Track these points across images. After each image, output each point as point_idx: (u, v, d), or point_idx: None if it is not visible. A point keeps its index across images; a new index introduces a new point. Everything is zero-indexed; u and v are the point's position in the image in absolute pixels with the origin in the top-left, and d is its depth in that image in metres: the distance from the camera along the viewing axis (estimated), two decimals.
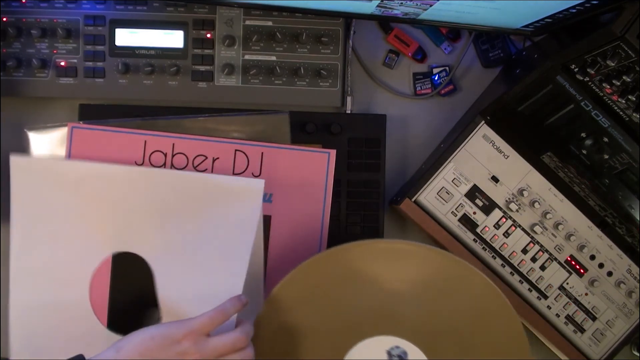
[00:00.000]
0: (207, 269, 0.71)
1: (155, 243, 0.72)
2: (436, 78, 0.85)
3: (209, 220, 0.71)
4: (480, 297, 0.67)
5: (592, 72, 0.72)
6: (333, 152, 0.76)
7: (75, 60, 0.79)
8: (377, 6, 0.70)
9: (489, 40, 0.85)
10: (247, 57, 0.80)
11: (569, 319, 0.78)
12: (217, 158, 0.76)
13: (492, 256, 0.76)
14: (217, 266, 0.70)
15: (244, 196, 0.71)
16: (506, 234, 0.76)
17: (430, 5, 0.68)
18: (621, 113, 0.75)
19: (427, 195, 0.76)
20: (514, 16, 0.71)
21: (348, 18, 0.81)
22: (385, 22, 0.84)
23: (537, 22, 0.72)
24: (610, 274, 0.78)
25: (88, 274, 0.72)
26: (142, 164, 0.75)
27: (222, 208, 0.71)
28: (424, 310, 0.68)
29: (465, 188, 0.76)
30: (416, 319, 0.68)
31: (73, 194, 0.71)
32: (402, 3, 0.68)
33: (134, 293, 0.73)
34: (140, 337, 0.60)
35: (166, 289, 0.72)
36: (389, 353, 0.68)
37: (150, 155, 0.75)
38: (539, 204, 0.76)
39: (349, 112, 0.82)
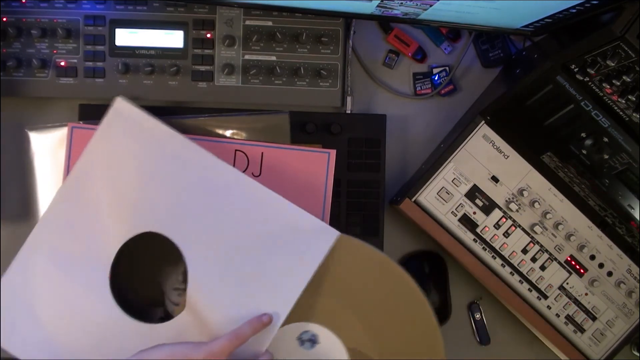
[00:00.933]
0: (251, 288, 0.68)
1: (204, 237, 0.69)
2: (436, 78, 0.85)
3: (269, 242, 0.69)
4: (382, 277, 0.70)
5: (592, 72, 0.72)
6: (333, 152, 0.76)
7: (75, 60, 0.79)
8: (377, 6, 0.70)
9: (489, 40, 0.85)
10: (247, 57, 0.80)
11: (569, 319, 0.78)
12: None
13: (492, 256, 0.76)
14: (264, 290, 0.68)
15: (315, 238, 0.69)
16: (506, 234, 0.76)
17: (430, 5, 0.68)
18: (621, 113, 0.75)
19: (427, 195, 0.76)
20: (514, 16, 0.71)
21: (348, 18, 0.81)
22: (385, 22, 0.84)
23: (537, 22, 0.72)
24: (610, 274, 0.78)
25: (116, 246, 0.70)
26: None
27: (288, 237, 0.69)
28: (328, 293, 0.69)
29: (465, 188, 0.76)
30: (321, 302, 0.69)
31: (150, 155, 0.70)
32: (402, 3, 0.68)
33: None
34: (161, 351, 0.61)
35: (198, 287, 0.68)
36: (299, 339, 0.69)
37: None
38: (539, 204, 0.76)
39: (349, 112, 0.82)
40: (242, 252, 0.68)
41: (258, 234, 0.69)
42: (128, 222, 0.69)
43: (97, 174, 0.70)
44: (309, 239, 0.69)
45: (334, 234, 0.69)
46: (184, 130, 0.76)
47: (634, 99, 0.73)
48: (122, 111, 0.71)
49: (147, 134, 0.70)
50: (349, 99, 0.82)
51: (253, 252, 0.68)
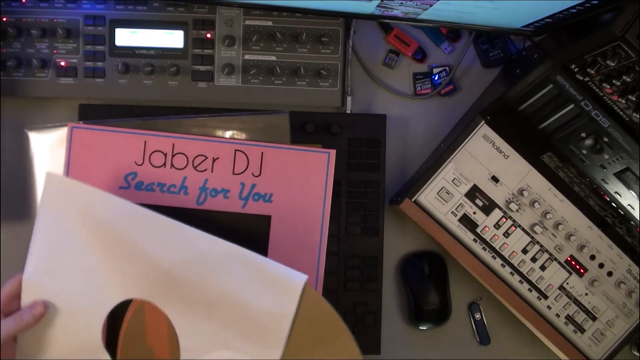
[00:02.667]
0: (236, 349, 0.65)
1: (180, 302, 0.65)
2: (436, 78, 0.85)
3: (242, 298, 0.64)
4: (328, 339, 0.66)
5: (592, 72, 0.72)
6: (333, 152, 0.76)
7: (75, 60, 0.79)
8: (377, 6, 0.70)
9: (489, 40, 0.85)
10: (247, 57, 0.80)
11: (569, 319, 0.78)
12: (217, 158, 0.76)
13: (492, 256, 0.76)
14: (247, 350, 0.65)
15: (281, 288, 0.64)
16: (506, 234, 0.76)
17: (430, 5, 0.68)
18: (621, 113, 0.75)
19: (427, 195, 0.76)
20: (514, 16, 0.71)
21: (348, 18, 0.81)
22: (385, 22, 0.84)
23: (537, 22, 0.72)
24: (610, 274, 0.78)
25: (103, 313, 0.65)
26: (142, 164, 0.75)
27: (255, 290, 0.64)
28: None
29: (465, 188, 0.76)
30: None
31: (103, 228, 0.65)
32: (402, 3, 0.68)
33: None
34: None
35: (189, 352, 0.65)
36: None
37: (150, 155, 0.75)
38: (539, 204, 0.76)
39: (349, 112, 0.82)
40: (219, 310, 0.65)
41: (227, 288, 0.64)
42: (102, 294, 0.66)
43: (57, 249, 0.66)
44: (277, 287, 0.64)
45: (300, 277, 0.64)
46: (184, 130, 0.76)
47: (634, 99, 0.73)
48: (56, 183, 0.65)
49: (91, 203, 0.65)
50: (349, 99, 0.82)
51: (230, 309, 0.65)
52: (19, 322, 0.61)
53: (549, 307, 0.77)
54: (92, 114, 0.77)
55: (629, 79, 0.72)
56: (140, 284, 0.65)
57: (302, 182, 0.76)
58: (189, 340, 0.65)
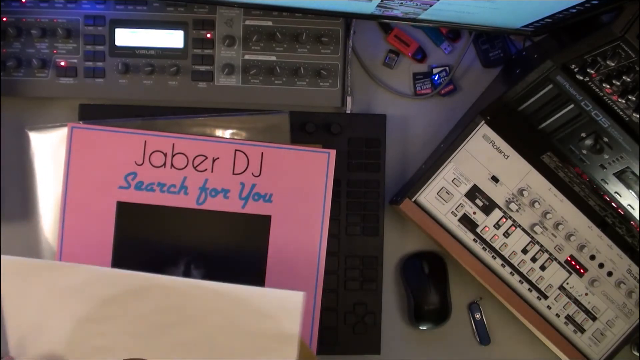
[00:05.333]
0: None
1: (177, 350, 0.63)
2: (436, 78, 0.85)
3: (239, 341, 0.62)
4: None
5: (592, 72, 0.72)
6: (333, 152, 0.76)
7: (75, 60, 0.79)
8: (377, 6, 0.70)
9: (489, 40, 0.85)
10: (247, 57, 0.80)
11: (569, 319, 0.78)
12: (217, 158, 0.76)
13: (492, 256, 0.76)
14: None
15: (280, 311, 0.61)
16: (506, 234, 0.76)
17: (430, 5, 0.68)
18: (621, 113, 0.75)
19: (427, 195, 0.76)
20: (514, 16, 0.71)
21: (348, 18, 0.81)
22: (385, 22, 0.84)
23: (537, 22, 0.72)
24: (610, 274, 0.78)
25: None
26: (142, 164, 0.75)
27: (253, 322, 0.61)
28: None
29: (465, 188, 0.76)
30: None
31: (72, 300, 0.63)
32: (402, 3, 0.68)
33: None
34: None
35: None
36: None
37: (150, 155, 0.75)
38: (539, 204, 0.76)
39: (349, 112, 0.82)
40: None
41: (222, 334, 0.62)
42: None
43: (31, 332, 0.64)
44: (276, 312, 0.61)
45: (296, 296, 0.60)
46: (184, 130, 0.76)
47: (634, 99, 0.73)
48: (12, 268, 0.63)
49: (51, 276, 0.63)
50: (349, 99, 0.82)
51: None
52: None
53: (549, 307, 0.77)
54: (92, 114, 0.78)
55: (629, 79, 0.72)
56: (127, 342, 0.63)
57: (302, 182, 0.76)
58: None
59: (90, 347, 0.64)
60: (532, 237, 0.77)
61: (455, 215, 0.76)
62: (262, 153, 0.76)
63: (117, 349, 0.63)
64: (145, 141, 0.75)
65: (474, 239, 0.76)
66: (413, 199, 0.76)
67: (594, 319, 0.78)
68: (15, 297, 0.63)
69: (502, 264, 0.77)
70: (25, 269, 0.63)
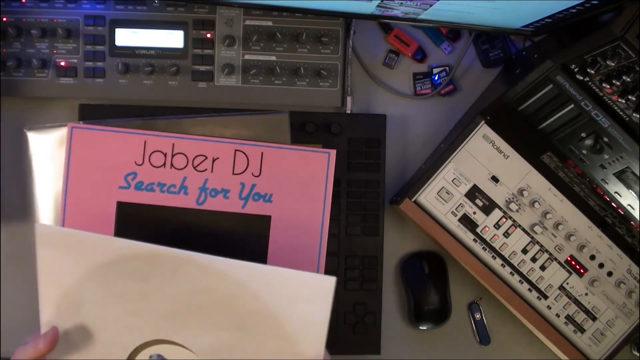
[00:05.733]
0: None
1: (204, 340, 0.62)
2: (436, 78, 0.85)
3: (268, 320, 0.61)
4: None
5: (592, 72, 0.72)
6: (333, 152, 0.76)
7: (75, 60, 0.79)
8: (377, 6, 0.70)
9: (489, 40, 0.85)
10: (247, 57, 0.80)
11: (569, 319, 0.78)
12: (217, 158, 0.76)
13: (492, 256, 0.76)
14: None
15: (311, 296, 0.60)
16: (506, 234, 0.76)
17: (430, 5, 0.68)
18: (621, 113, 0.75)
19: (427, 195, 0.76)
20: (514, 16, 0.71)
21: (348, 18, 0.81)
22: (385, 22, 0.84)
23: (537, 22, 0.72)
24: (610, 274, 0.78)
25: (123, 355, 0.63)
26: (142, 164, 0.75)
27: (284, 305, 0.60)
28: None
29: (465, 188, 0.76)
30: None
31: (109, 274, 0.62)
32: (402, 3, 0.68)
33: None
34: None
35: None
36: None
37: (150, 155, 0.75)
38: (539, 204, 0.76)
39: (349, 112, 0.82)
40: (243, 343, 0.62)
41: (250, 315, 0.61)
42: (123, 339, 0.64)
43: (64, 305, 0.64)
44: (307, 296, 0.60)
45: (330, 280, 0.60)
46: (184, 130, 0.76)
47: (634, 99, 0.73)
48: (48, 236, 0.63)
49: (89, 248, 0.63)
50: (349, 99, 0.82)
51: (254, 340, 0.62)
52: (33, 349, 0.62)
53: (549, 307, 0.77)
54: (92, 114, 0.78)
55: (629, 79, 0.72)
56: (158, 322, 0.63)
57: (302, 182, 0.76)
58: None
59: (122, 325, 0.63)
60: (532, 237, 0.77)
61: (455, 215, 0.76)
62: (262, 153, 0.76)
63: (147, 329, 0.63)
64: (145, 141, 0.75)
65: (474, 239, 0.76)
66: (413, 199, 0.76)
67: (594, 319, 0.78)
68: (50, 266, 0.63)
69: (502, 264, 0.77)
70: (61, 238, 0.63)
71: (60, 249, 0.62)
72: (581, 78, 0.73)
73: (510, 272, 0.77)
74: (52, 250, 0.62)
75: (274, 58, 0.80)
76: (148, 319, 0.63)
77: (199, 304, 0.62)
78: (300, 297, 0.60)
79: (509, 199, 0.76)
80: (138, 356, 0.64)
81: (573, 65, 0.73)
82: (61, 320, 0.64)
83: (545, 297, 0.77)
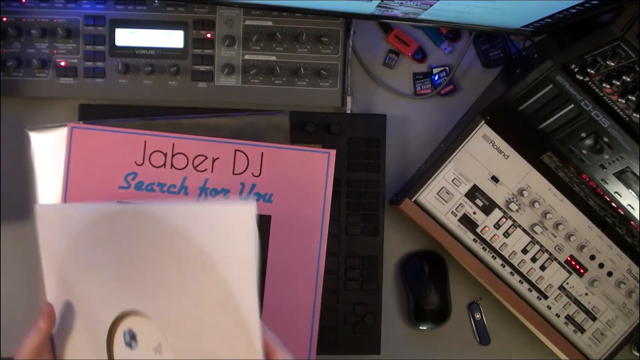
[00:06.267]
0: (213, 323, 0.59)
1: (157, 304, 0.60)
2: (436, 78, 0.85)
3: (194, 264, 0.58)
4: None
5: (592, 72, 0.72)
6: (333, 152, 0.76)
7: (75, 60, 0.79)
8: (377, 6, 0.70)
9: (489, 40, 0.85)
10: (247, 57, 0.80)
11: (569, 319, 0.78)
12: (217, 158, 0.76)
13: (492, 256, 0.76)
14: (222, 321, 0.58)
15: (234, 226, 0.57)
16: (506, 234, 0.76)
17: (430, 5, 0.68)
18: (621, 113, 0.75)
19: (427, 195, 0.76)
20: (514, 16, 0.71)
21: (348, 18, 0.81)
22: (385, 22, 0.84)
23: (537, 22, 0.72)
24: (610, 274, 0.78)
25: (103, 334, 0.63)
26: (142, 164, 0.75)
27: (205, 246, 0.58)
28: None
29: (465, 188, 0.76)
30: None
31: (81, 243, 0.63)
32: (402, 3, 0.68)
33: None
34: None
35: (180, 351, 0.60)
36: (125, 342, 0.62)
37: (150, 156, 0.75)
38: (539, 204, 0.76)
39: (349, 112, 0.82)
40: (187, 286, 0.59)
41: (185, 256, 0.59)
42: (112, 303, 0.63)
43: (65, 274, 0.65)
44: (229, 227, 0.57)
45: (248, 206, 0.56)
46: (184, 130, 0.76)
47: (634, 99, 0.73)
48: (48, 215, 0.64)
49: (84, 222, 0.63)
50: (349, 99, 0.82)
51: (195, 280, 0.59)
52: (35, 332, 0.62)
53: (549, 307, 0.77)
54: (92, 114, 0.78)
55: (629, 79, 0.72)
56: (123, 292, 0.62)
57: (302, 182, 0.76)
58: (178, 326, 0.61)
59: (100, 300, 0.63)
60: (532, 237, 0.77)
61: (455, 215, 0.76)
62: (262, 153, 0.76)
63: (115, 301, 0.62)
64: (145, 141, 0.75)
65: (474, 239, 0.76)
66: (413, 199, 0.76)
67: (594, 319, 0.78)
68: (45, 245, 0.64)
69: (502, 264, 0.77)
70: (50, 214, 0.64)
71: (50, 225, 0.64)
72: (581, 78, 0.73)
73: (510, 272, 0.77)
74: (44, 228, 0.64)
75: (274, 58, 0.80)
76: (116, 289, 0.62)
77: (148, 261, 0.60)
78: (224, 230, 0.57)
79: (509, 199, 0.76)
80: (116, 334, 0.63)
81: (573, 65, 0.73)
82: (58, 300, 0.64)
83: (545, 297, 0.77)
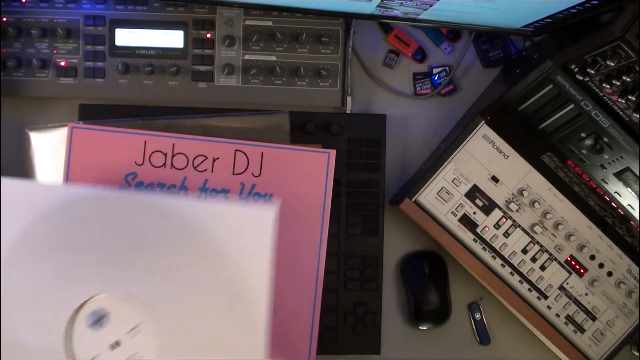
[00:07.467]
0: (215, 319, 0.61)
1: (150, 283, 0.62)
2: (436, 78, 0.85)
3: (211, 258, 0.61)
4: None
5: (592, 72, 0.72)
6: (333, 152, 0.76)
7: (75, 60, 0.79)
8: (377, 6, 0.70)
9: (489, 40, 0.85)
10: (247, 57, 0.80)
11: (569, 319, 0.78)
12: (217, 158, 0.76)
13: (492, 256, 0.76)
14: (227, 315, 0.61)
15: (250, 229, 0.60)
16: (506, 234, 0.76)
17: (430, 5, 0.68)
18: (621, 113, 0.75)
19: (427, 195, 0.76)
20: (514, 16, 0.71)
21: (348, 18, 0.81)
22: (385, 22, 0.84)
23: (537, 22, 0.72)
24: (610, 274, 0.78)
25: (65, 315, 0.62)
26: (142, 164, 0.75)
27: (224, 243, 0.61)
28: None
29: (465, 188, 0.76)
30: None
31: (53, 221, 0.63)
32: (402, 3, 0.68)
33: None
34: None
35: (169, 335, 0.62)
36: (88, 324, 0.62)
37: (150, 156, 0.75)
38: (539, 204, 0.76)
39: (349, 112, 0.82)
40: (191, 281, 0.62)
41: (194, 251, 0.61)
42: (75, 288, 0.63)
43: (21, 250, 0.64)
44: (246, 230, 0.60)
45: (269, 210, 0.60)
46: (184, 130, 0.76)
47: (634, 99, 0.73)
48: (11, 190, 0.64)
49: (47, 197, 0.63)
50: (349, 99, 0.82)
51: (203, 277, 0.62)
52: None
53: (549, 307, 0.77)
54: (92, 114, 0.77)
55: (629, 79, 0.72)
56: (102, 274, 0.62)
57: (302, 182, 0.76)
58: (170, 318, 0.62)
59: (66, 280, 0.62)
60: (532, 237, 0.77)
61: (455, 215, 0.76)
62: (262, 153, 0.76)
63: (89, 283, 0.62)
64: (145, 141, 0.75)
65: (474, 239, 0.76)
66: (413, 199, 0.76)
67: (594, 319, 0.78)
68: (5, 218, 0.63)
69: (502, 264, 0.77)
70: (13, 190, 0.64)
71: (13, 201, 0.63)
72: (581, 78, 0.74)
73: (510, 272, 0.77)
74: (7, 203, 0.63)
75: (274, 58, 0.80)
76: (92, 270, 0.62)
77: (142, 245, 0.61)
78: (242, 230, 0.61)
79: (509, 199, 0.76)
80: (81, 312, 0.63)
81: (573, 65, 0.73)
82: (9, 273, 0.63)
83: (545, 297, 0.77)
